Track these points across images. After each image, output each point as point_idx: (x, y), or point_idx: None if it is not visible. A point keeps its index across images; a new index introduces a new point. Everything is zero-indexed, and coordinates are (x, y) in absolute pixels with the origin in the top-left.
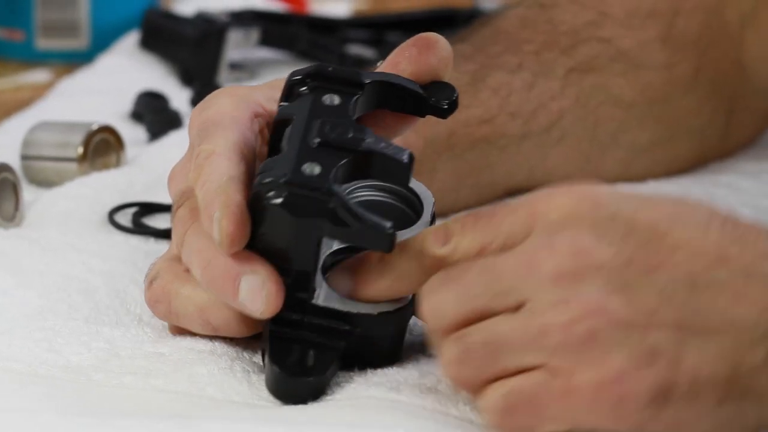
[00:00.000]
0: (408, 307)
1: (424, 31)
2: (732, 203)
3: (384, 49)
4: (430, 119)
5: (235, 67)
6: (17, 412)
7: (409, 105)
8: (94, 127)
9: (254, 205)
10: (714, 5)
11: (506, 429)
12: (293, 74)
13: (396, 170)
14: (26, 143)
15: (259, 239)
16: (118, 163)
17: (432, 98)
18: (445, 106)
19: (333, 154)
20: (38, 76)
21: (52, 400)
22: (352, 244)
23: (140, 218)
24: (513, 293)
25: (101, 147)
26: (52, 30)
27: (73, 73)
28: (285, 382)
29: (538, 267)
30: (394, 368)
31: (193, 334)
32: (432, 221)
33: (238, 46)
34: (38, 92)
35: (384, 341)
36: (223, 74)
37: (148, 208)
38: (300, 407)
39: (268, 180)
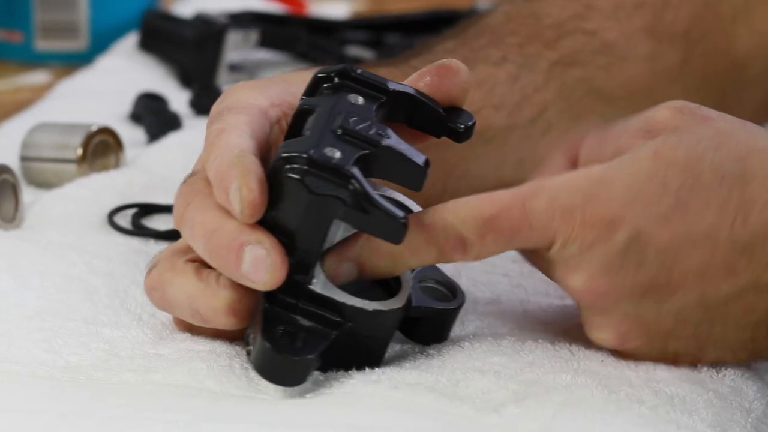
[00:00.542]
0: (401, 311)
1: (422, 32)
2: None
3: (383, 50)
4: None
5: (234, 68)
6: (17, 413)
7: (428, 123)
8: (94, 128)
9: (271, 179)
10: None
11: None
12: (320, 71)
13: (411, 172)
14: (25, 145)
15: (267, 216)
16: (117, 165)
17: (449, 121)
18: (462, 129)
19: (354, 144)
20: (37, 77)
21: (51, 401)
22: (362, 230)
23: (140, 219)
24: None
25: (100, 148)
26: (51, 31)
27: (72, 75)
28: (272, 359)
29: None
30: (394, 367)
31: (192, 335)
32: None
33: (237, 48)
34: (37, 93)
35: (370, 341)
36: (223, 76)
37: (148, 210)
38: (300, 406)
39: (289, 154)
